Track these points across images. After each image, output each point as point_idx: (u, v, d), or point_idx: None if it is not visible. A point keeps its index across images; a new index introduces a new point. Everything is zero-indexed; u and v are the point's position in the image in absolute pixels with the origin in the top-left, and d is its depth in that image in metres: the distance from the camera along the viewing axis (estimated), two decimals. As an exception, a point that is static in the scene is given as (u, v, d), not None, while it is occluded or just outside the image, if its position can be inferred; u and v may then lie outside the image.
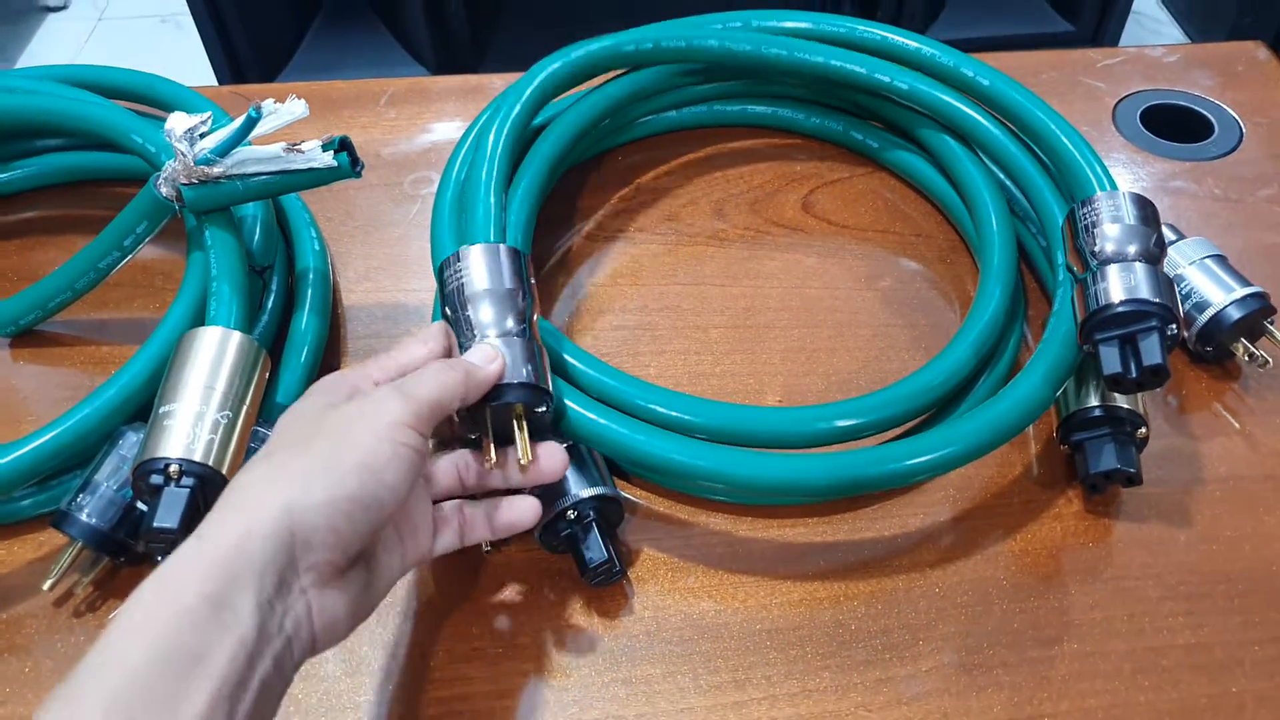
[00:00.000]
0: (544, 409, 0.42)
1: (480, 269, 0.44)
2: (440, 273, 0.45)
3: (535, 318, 0.45)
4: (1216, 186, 0.63)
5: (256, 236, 0.53)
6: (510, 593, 0.45)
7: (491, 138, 0.51)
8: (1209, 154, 0.65)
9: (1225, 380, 0.53)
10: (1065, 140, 0.52)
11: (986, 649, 0.43)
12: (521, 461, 0.40)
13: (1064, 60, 0.71)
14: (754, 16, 0.60)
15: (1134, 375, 0.43)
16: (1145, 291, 0.43)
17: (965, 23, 1.27)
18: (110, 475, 0.44)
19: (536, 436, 0.42)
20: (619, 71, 0.60)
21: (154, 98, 0.59)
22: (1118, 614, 0.44)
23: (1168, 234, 0.55)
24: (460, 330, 0.43)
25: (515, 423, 0.41)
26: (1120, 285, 0.44)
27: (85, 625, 0.44)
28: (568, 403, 0.45)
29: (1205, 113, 0.67)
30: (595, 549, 0.43)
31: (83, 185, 0.62)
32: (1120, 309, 0.43)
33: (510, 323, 0.43)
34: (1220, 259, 0.53)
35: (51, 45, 1.84)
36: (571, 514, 0.43)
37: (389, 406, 0.36)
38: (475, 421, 0.42)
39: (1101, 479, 0.46)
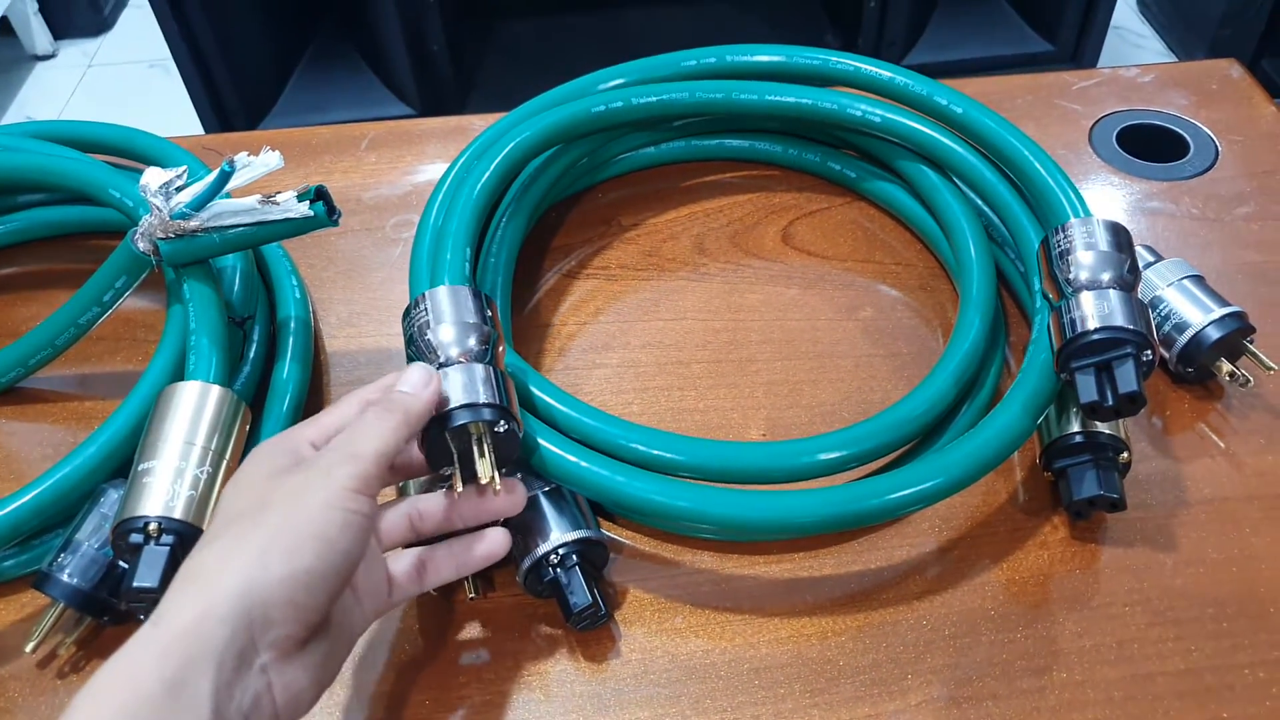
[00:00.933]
0: (505, 428, 0.41)
1: (443, 305, 0.44)
2: (405, 316, 0.45)
3: (501, 350, 0.45)
4: (1194, 206, 0.63)
5: (236, 287, 0.53)
6: (495, 639, 0.45)
7: (458, 215, 0.51)
8: (1185, 173, 0.65)
9: (1208, 400, 0.53)
10: (1039, 166, 0.52)
11: (976, 681, 0.43)
12: (484, 482, 0.40)
13: (1040, 84, 0.72)
14: (727, 51, 0.61)
15: (1110, 403, 0.43)
16: (1120, 318, 0.43)
17: (945, 46, 1.28)
18: (92, 534, 0.44)
19: (506, 468, 0.41)
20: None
21: (133, 151, 0.59)
22: (1106, 641, 0.44)
23: (1145, 255, 0.55)
24: (423, 357, 0.43)
25: (475, 445, 0.41)
26: (1094, 313, 0.44)
27: (70, 686, 0.44)
28: (545, 443, 0.45)
29: (1181, 132, 0.67)
30: (579, 593, 0.43)
31: (65, 239, 0.62)
32: (1095, 337, 0.43)
33: (472, 343, 0.43)
34: (1198, 279, 0.53)
35: (41, 94, 1.86)
36: (554, 558, 0.43)
37: (336, 474, 0.36)
38: (439, 452, 0.41)
39: (1085, 505, 0.46)
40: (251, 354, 0.53)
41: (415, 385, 0.40)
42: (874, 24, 1.22)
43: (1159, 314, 0.52)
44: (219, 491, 0.43)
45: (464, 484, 0.41)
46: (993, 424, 0.46)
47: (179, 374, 0.48)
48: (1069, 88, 0.71)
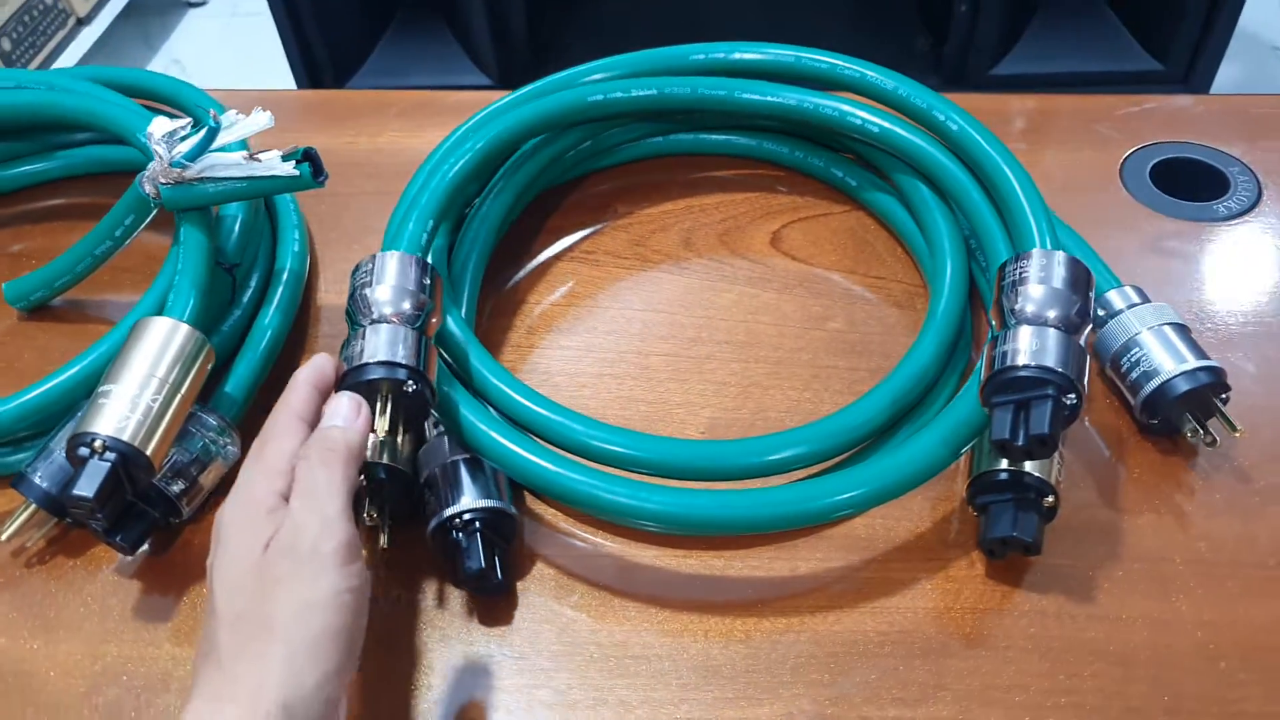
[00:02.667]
0: (414, 388, 0.44)
1: (388, 268, 0.47)
2: (354, 272, 0.48)
3: (435, 321, 0.47)
4: (1218, 251, 0.60)
5: (234, 235, 0.57)
6: (396, 587, 0.47)
7: (430, 190, 0.54)
8: (1218, 215, 0.62)
9: (1175, 455, 0.51)
10: (1018, 190, 0.51)
11: (845, 702, 0.43)
12: (377, 432, 0.43)
13: (1083, 106, 0.69)
14: (736, 48, 0.61)
15: (1021, 442, 0.41)
16: (1050, 359, 0.42)
17: (1041, 57, 1.22)
18: (64, 444, 0.49)
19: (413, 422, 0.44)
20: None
21: (177, 101, 0.64)
22: (994, 683, 0.43)
23: (1132, 296, 0.53)
24: (357, 309, 0.46)
25: (380, 400, 0.44)
26: (1027, 348, 0.43)
27: (35, 574, 0.49)
28: (466, 414, 0.47)
29: (1223, 169, 0.64)
30: (474, 559, 0.45)
31: (109, 176, 0.67)
32: (1020, 373, 0.42)
33: (406, 307, 0.45)
34: (1180, 328, 0.51)
35: (188, 38, 1.99)
36: (458, 522, 0.45)
37: (325, 561, 0.38)
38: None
39: (999, 544, 0.45)
40: (245, 299, 0.57)
41: (347, 418, 0.43)
42: (964, 29, 1.17)
43: (1130, 359, 0.50)
44: (169, 421, 0.47)
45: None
46: (909, 449, 0.45)
47: (162, 309, 0.52)
48: (1113, 112, 0.68)
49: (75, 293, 0.60)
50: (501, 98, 0.60)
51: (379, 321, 0.45)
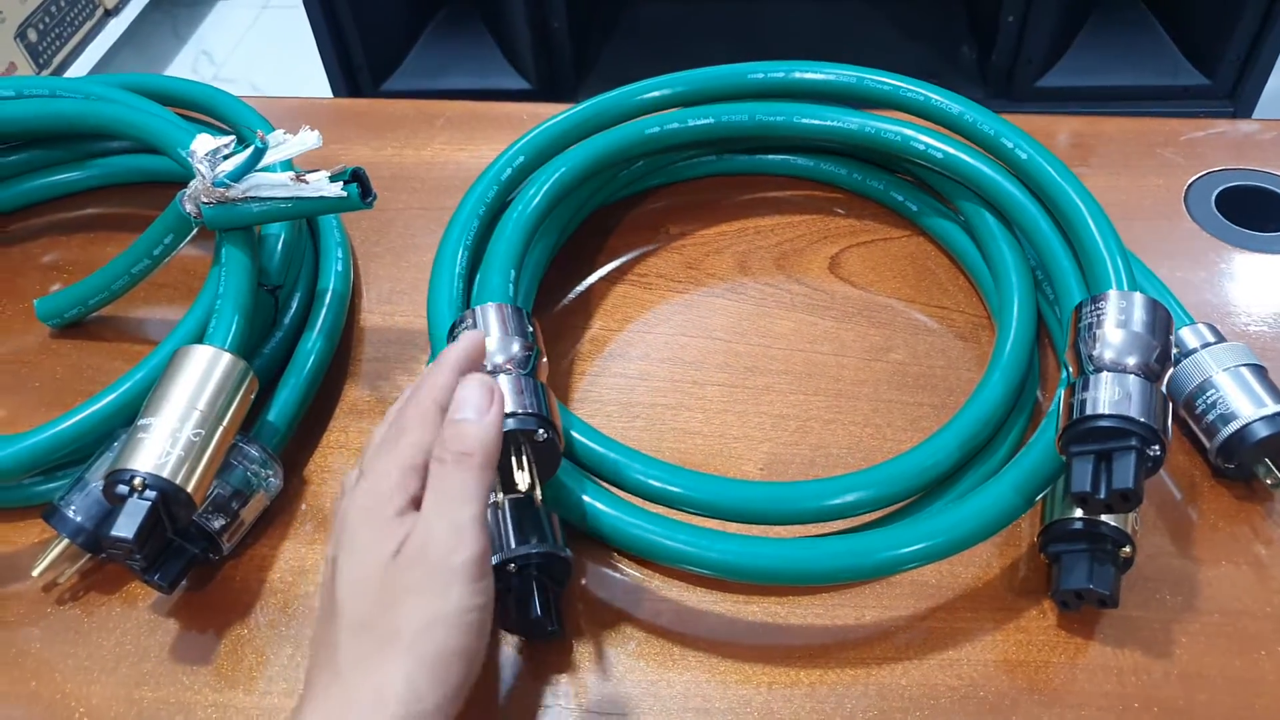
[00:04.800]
0: (544, 436, 0.41)
1: (490, 319, 0.45)
2: (450, 332, 0.46)
3: (544, 362, 0.45)
4: (1290, 283, 0.58)
5: (276, 255, 0.55)
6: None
7: (505, 239, 0.53)
8: (1289, 245, 0.60)
9: (1251, 501, 0.49)
10: (1091, 225, 0.49)
11: (917, 762, 0.41)
12: (521, 489, 0.41)
13: (1143, 130, 0.67)
14: (796, 67, 0.59)
15: (1102, 496, 0.40)
16: (1133, 409, 0.40)
17: (1088, 70, 1.20)
18: (101, 476, 0.47)
19: (545, 473, 0.42)
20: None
21: (215, 110, 0.62)
22: (1071, 745, 0.42)
23: (1206, 335, 0.51)
24: None
25: (514, 454, 0.41)
26: (1108, 397, 0.41)
27: (66, 613, 0.47)
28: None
29: (1293, 198, 0.62)
30: (529, 606, 0.43)
31: (147, 185, 0.66)
32: (1102, 423, 0.40)
33: (516, 351, 0.44)
34: (1258, 370, 0.49)
35: (218, 31, 1.97)
36: (513, 568, 0.44)
37: (455, 575, 0.36)
38: None
39: (1073, 596, 0.43)
40: (286, 320, 0.55)
41: (479, 408, 0.38)
42: (1011, 40, 1.15)
43: (1205, 400, 0.48)
44: (210, 456, 0.45)
45: (504, 494, 0.42)
46: (981, 498, 0.43)
47: (204, 334, 0.50)
48: (1177, 137, 0.66)
49: (108, 307, 0.58)
50: (554, 116, 0.58)
51: (494, 373, 0.43)
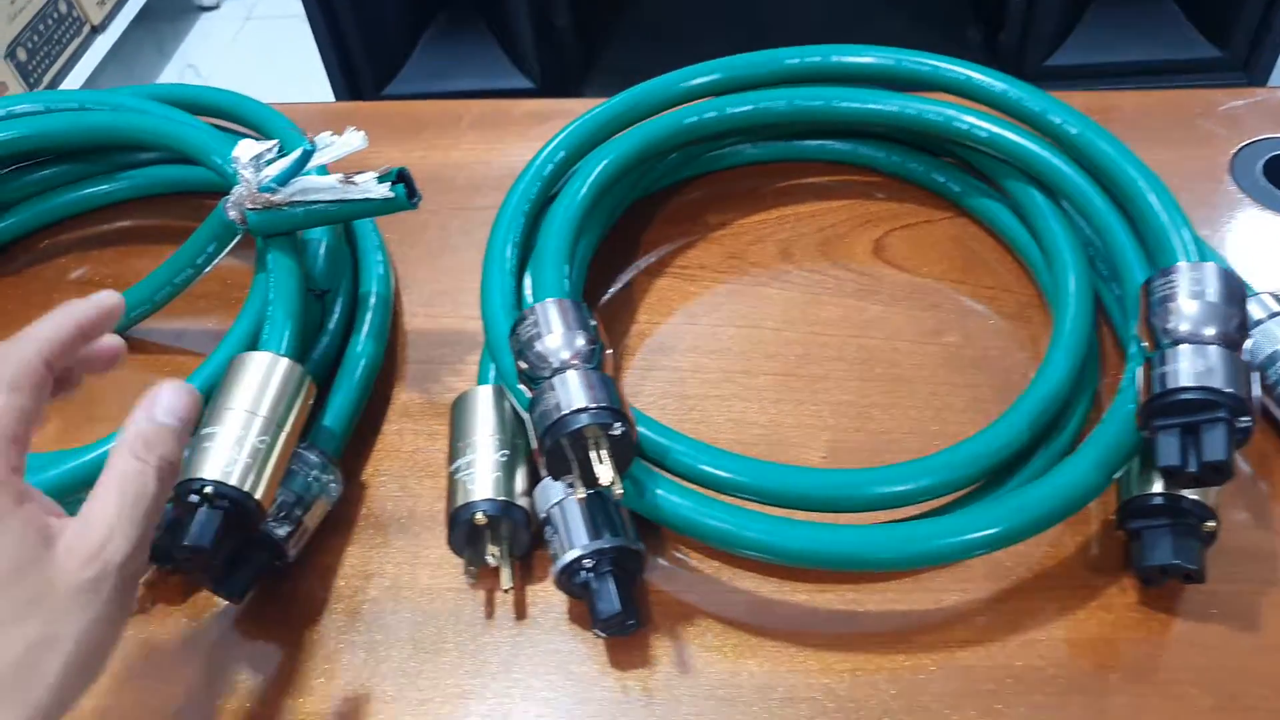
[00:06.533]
0: (620, 430, 0.40)
1: (551, 316, 0.44)
2: (511, 333, 0.45)
3: (609, 354, 0.44)
4: (1340, 250, 0.57)
5: (321, 259, 0.54)
6: (525, 631, 0.45)
7: (555, 234, 0.52)
8: (1336, 212, 0.59)
9: (1322, 470, 0.48)
10: (1152, 200, 0.49)
11: (1010, 745, 0.41)
12: (604, 483, 0.40)
13: (1181, 101, 0.66)
14: (833, 51, 0.59)
15: (1193, 469, 0.39)
16: (1218, 379, 0.40)
17: (1098, 46, 1.20)
18: (159, 488, 0.47)
19: (620, 467, 0.41)
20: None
21: (241, 117, 0.62)
22: (1163, 721, 0.41)
23: (1271, 304, 0.50)
24: (533, 365, 0.43)
25: (594, 449, 0.40)
26: (1190, 369, 0.40)
27: (134, 625, 0.47)
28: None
29: (1338, 165, 0.61)
30: (607, 601, 0.43)
31: (178, 196, 0.65)
32: (1186, 396, 0.40)
33: (581, 345, 0.43)
34: (1326, 337, 0.48)
35: (203, 43, 1.96)
36: (588, 562, 0.43)
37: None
38: (558, 461, 0.41)
39: (1157, 572, 0.43)
40: (331, 325, 0.55)
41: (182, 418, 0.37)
42: (1019, 19, 1.14)
43: (1278, 371, 0.48)
44: (275, 461, 0.44)
45: (586, 490, 0.41)
46: (1061, 476, 0.43)
47: (256, 341, 0.50)
48: (1215, 108, 0.65)
49: (148, 320, 0.57)
50: (592, 109, 0.57)
51: (561, 370, 0.42)
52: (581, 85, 1.25)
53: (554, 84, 1.23)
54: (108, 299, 0.39)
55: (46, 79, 1.77)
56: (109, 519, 0.33)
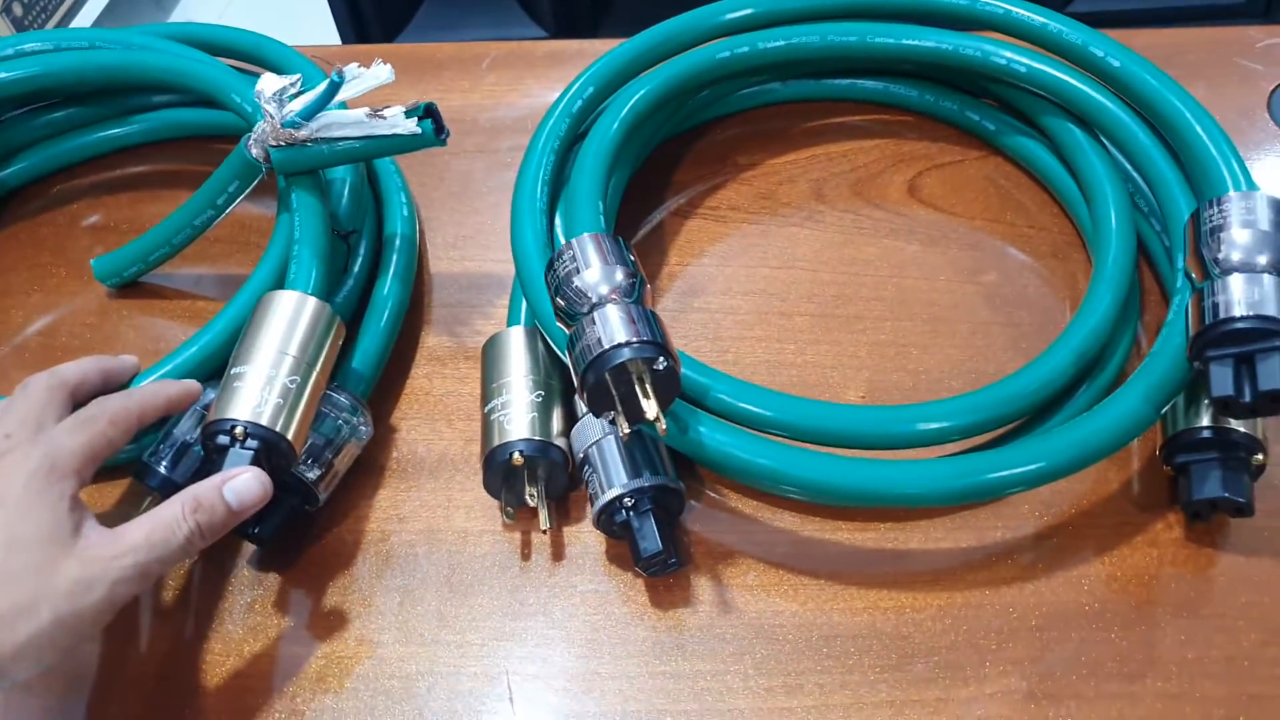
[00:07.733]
0: (664, 365, 0.39)
1: (589, 250, 0.42)
2: (549, 269, 0.44)
3: (649, 289, 0.43)
4: (1381, 186, 0.56)
5: (344, 200, 0.53)
6: (564, 573, 0.45)
7: (587, 171, 0.51)
8: (1376, 148, 0.58)
9: (1367, 405, 0.48)
10: (1200, 131, 0.47)
11: (1060, 677, 0.40)
12: (650, 417, 0.39)
13: (1218, 39, 0.65)
14: (866, -12, 0.57)
15: (1248, 399, 0.38)
16: (1272, 307, 0.39)
17: (1119, -8, 1.18)
18: (188, 430, 0.46)
19: (664, 403, 0.40)
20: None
21: (260, 57, 0.60)
22: (1213, 655, 0.41)
23: (1314, 237, 0.49)
24: (572, 301, 0.42)
25: (637, 384, 0.39)
26: (1243, 298, 0.39)
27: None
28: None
29: (1377, 102, 0.60)
30: (649, 539, 0.42)
31: (193, 140, 0.63)
32: (1241, 325, 0.39)
33: (621, 281, 0.41)
34: (1373, 270, 0.47)
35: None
36: (628, 501, 0.42)
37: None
38: (600, 396, 0.40)
39: (1206, 506, 0.43)
40: (355, 268, 0.53)
41: (243, 501, 0.40)
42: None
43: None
44: (306, 401, 0.43)
45: (629, 426, 0.40)
46: (1110, 410, 0.42)
47: (281, 281, 0.49)
48: (1252, 45, 0.64)
49: (164, 266, 0.56)
50: (622, 43, 0.56)
51: (600, 305, 0.41)
52: (594, 31, 1.23)
53: (567, 31, 1.20)
54: (194, 386, 0.45)
55: (42, 36, 1.74)
56: (130, 543, 0.37)
